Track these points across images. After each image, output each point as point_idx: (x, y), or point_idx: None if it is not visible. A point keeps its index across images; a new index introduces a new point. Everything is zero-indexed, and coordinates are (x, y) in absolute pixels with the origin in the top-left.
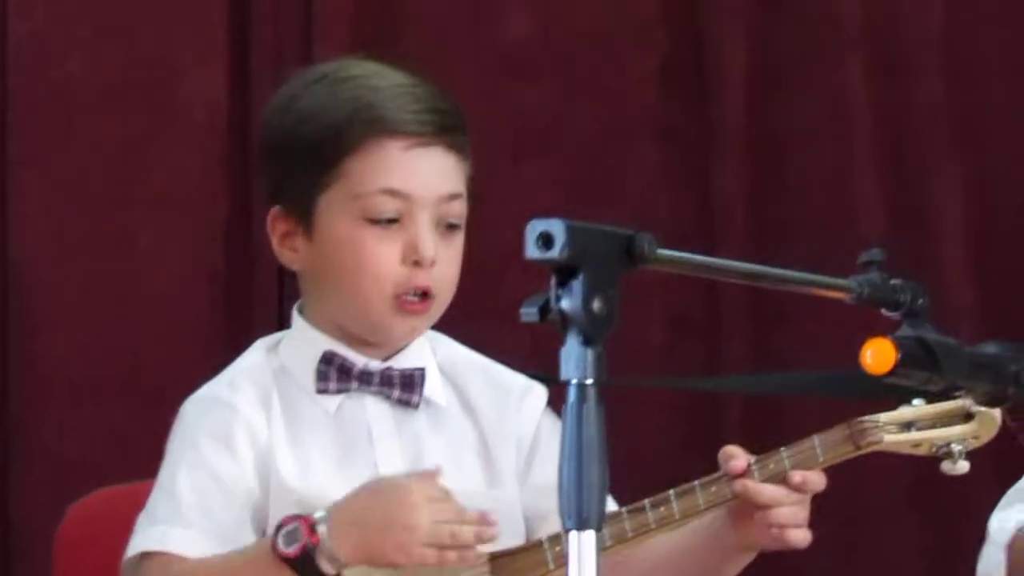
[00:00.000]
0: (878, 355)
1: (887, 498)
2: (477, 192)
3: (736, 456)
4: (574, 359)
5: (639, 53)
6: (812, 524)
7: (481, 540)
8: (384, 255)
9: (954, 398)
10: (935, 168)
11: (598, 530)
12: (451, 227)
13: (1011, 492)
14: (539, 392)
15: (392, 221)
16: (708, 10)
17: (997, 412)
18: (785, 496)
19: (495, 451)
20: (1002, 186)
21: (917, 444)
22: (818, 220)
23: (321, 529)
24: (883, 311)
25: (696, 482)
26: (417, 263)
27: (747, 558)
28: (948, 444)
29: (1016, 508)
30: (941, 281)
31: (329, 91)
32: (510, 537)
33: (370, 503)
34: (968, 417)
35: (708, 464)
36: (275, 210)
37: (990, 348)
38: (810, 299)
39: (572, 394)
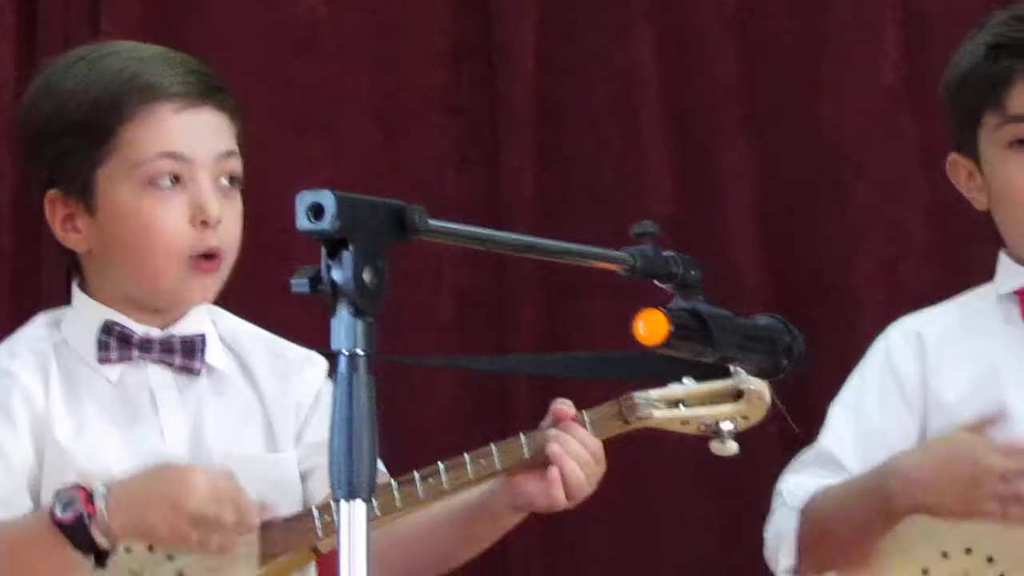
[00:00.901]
0: (650, 326)
1: (677, 475)
2: (263, 164)
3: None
4: (344, 330)
5: (429, 31)
6: (605, 503)
7: (243, 528)
8: (172, 219)
9: (724, 377)
10: (725, 144)
11: (367, 500)
12: (230, 185)
13: (804, 456)
14: (319, 361)
15: (174, 184)
16: None
17: (766, 393)
18: (582, 453)
19: (275, 417)
20: (791, 162)
21: (686, 422)
22: (606, 195)
23: (99, 500)
24: (656, 283)
25: (466, 455)
26: (204, 223)
27: (515, 520)
28: (716, 423)
29: (810, 473)
30: (731, 255)
31: (90, 68)
32: (289, 500)
33: (148, 481)
34: (737, 396)
35: (497, 437)
36: (52, 194)
37: (763, 320)
38: (600, 274)
39: (342, 364)
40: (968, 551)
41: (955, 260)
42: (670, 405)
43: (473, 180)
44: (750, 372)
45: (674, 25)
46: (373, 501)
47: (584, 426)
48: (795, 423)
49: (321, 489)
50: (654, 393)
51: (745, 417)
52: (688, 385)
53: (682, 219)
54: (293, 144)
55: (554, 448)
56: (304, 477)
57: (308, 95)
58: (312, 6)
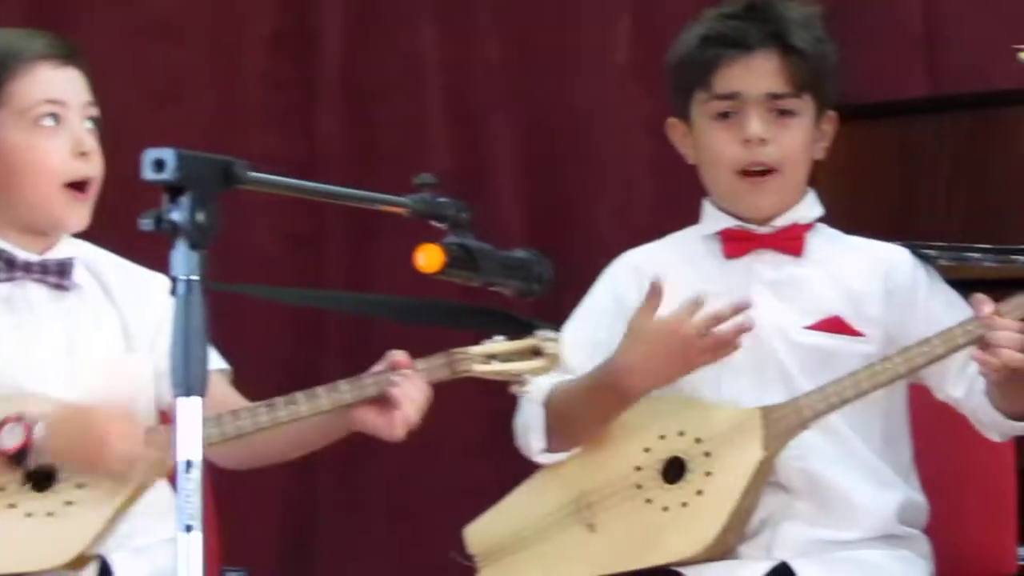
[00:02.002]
0: (428, 257)
1: (462, 443)
2: (126, 131)
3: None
4: (182, 260)
5: (256, 18)
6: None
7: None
8: (54, 151)
9: (528, 334)
10: (491, 112)
11: (202, 395)
12: (93, 127)
13: None
14: (163, 280)
15: (56, 123)
16: None
17: (560, 350)
18: (417, 397)
19: (130, 325)
20: (544, 126)
21: (498, 374)
22: (398, 153)
23: (38, 430)
24: (434, 223)
25: (320, 388)
26: (83, 154)
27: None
28: (521, 376)
29: (544, 377)
30: (495, 202)
31: None
32: (144, 397)
33: (78, 427)
34: (537, 353)
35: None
36: None
37: (520, 253)
38: (399, 219)
39: (181, 288)
40: (681, 433)
41: (674, 207)
42: (486, 360)
43: (293, 142)
44: (510, 295)
45: (451, 14)
46: (244, 419)
47: (418, 372)
48: None
49: (169, 391)
50: (474, 349)
51: (544, 369)
52: (499, 342)
53: (457, 173)
54: (149, 114)
55: (395, 392)
56: (159, 377)
57: (161, 74)
58: (163, 2)
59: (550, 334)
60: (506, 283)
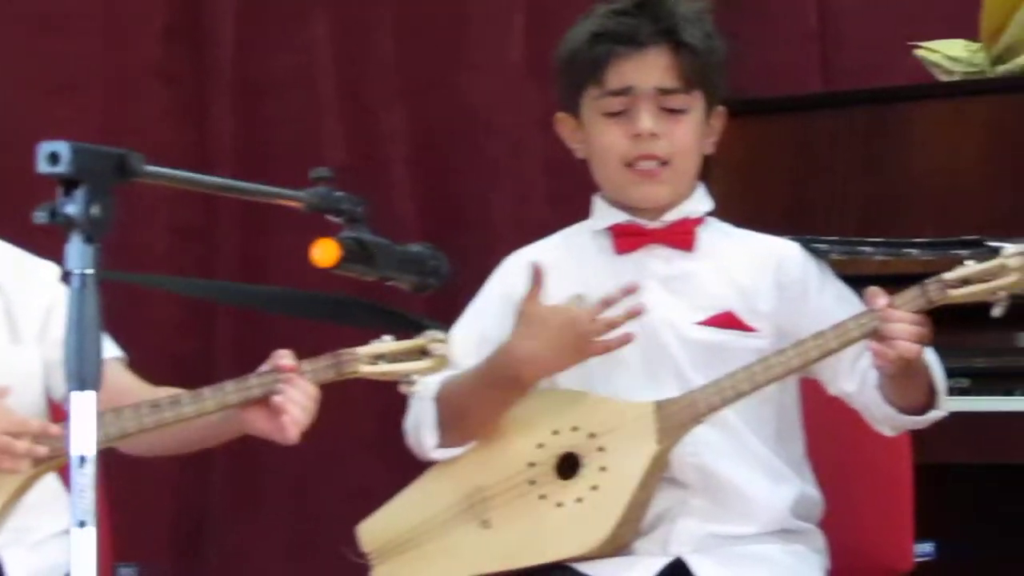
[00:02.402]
0: (324, 251)
1: (354, 441)
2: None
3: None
4: (77, 254)
5: (148, 13)
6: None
7: (31, 455)
8: None
9: (418, 333)
10: (386, 108)
11: (96, 389)
12: None
13: None
14: (55, 269)
15: None
16: None
17: (448, 350)
18: (303, 400)
19: (17, 316)
20: (438, 123)
21: (386, 374)
22: (292, 148)
23: None
24: (330, 217)
25: (206, 389)
26: None
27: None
28: (409, 376)
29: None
30: (390, 197)
31: None
32: (30, 389)
33: None
34: (425, 353)
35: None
36: None
37: (415, 247)
38: (293, 213)
39: (75, 281)
40: (575, 428)
41: (568, 203)
42: (373, 360)
43: (186, 137)
44: (406, 289)
45: (345, 8)
46: (128, 420)
47: (303, 374)
48: None
49: (61, 383)
50: (361, 350)
51: (432, 369)
52: (387, 342)
53: (351, 168)
54: (41, 107)
55: (277, 400)
56: (50, 369)
57: (53, 67)
58: None
59: (438, 334)
60: (402, 277)
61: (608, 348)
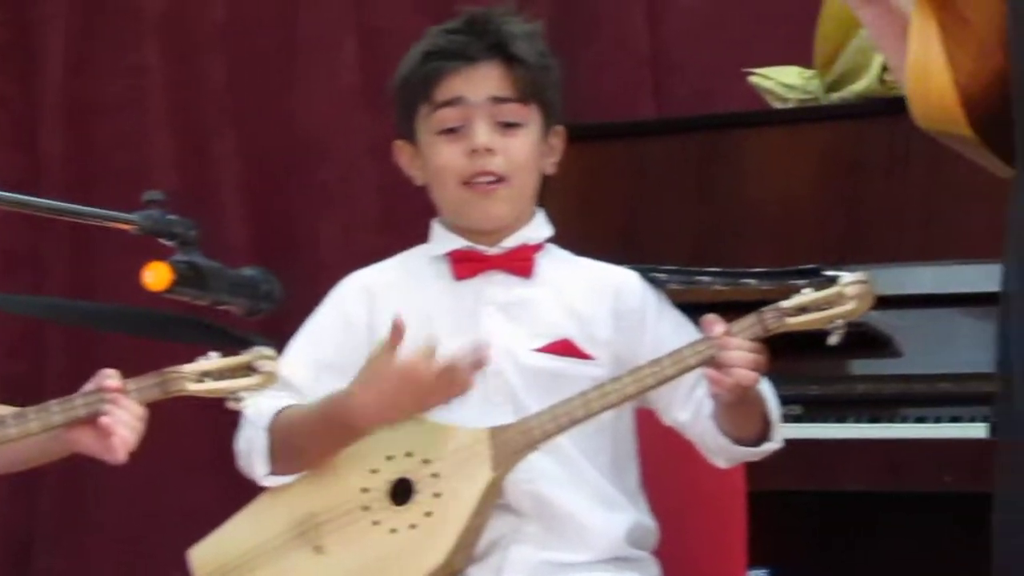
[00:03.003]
0: (156, 275)
1: (184, 462)
2: None
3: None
4: None
5: None
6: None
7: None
8: None
9: (245, 349)
10: (217, 133)
11: None
12: None
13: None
14: None
15: None
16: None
17: (277, 367)
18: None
19: None
20: (269, 148)
21: (212, 392)
22: (123, 171)
23: None
24: (163, 241)
25: (31, 409)
26: None
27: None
28: (236, 393)
29: (269, 395)
30: (221, 222)
31: None
32: None
33: None
34: (251, 370)
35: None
36: None
37: (248, 271)
38: (123, 236)
39: None
40: (409, 454)
41: (399, 229)
42: (200, 378)
43: (14, 159)
44: (238, 313)
45: (177, 35)
46: None
47: (128, 393)
48: None
49: None
50: (188, 368)
51: (259, 386)
52: (214, 359)
53: (182, 192)
54: None
55: (104, 420)
56: None
57: None
58: None
59: (265, 350)
60: (234, 301)
61: (446, 401)
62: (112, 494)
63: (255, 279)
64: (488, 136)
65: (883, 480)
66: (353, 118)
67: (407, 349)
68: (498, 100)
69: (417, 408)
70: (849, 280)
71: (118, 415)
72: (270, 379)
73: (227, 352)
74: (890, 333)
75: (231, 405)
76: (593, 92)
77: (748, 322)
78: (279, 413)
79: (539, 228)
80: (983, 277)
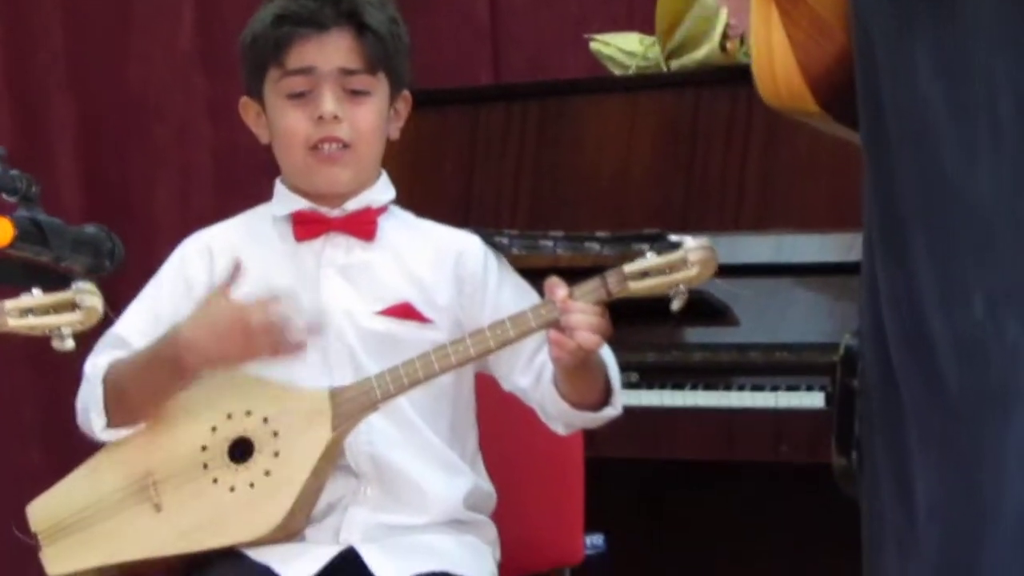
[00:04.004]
0: None
1: (14, 431)
2: None
3: None
4: None
5: None
6: None
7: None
8: None
9: (64, 288)
10: (53, 98)
11: None
12: None
13: (102, 341)
14: None
15: None
16: None
17: (99, 303)
18: None
19: None
20: (105, 112)
21: (33, 327)
22: None
23: None
24: (4, 195)
25: None
26: None
27: None
28: (59, 329)
29: (107, 354)
30: (57, 189)
31: None
32: None
33: None
34: (75, 307)
35: None
36: None
37: (90, 229)
38: None
39: None
40: (248, 413)
41: (236, 190)
42: (23, 314)
43: None
44: (79, 271)
45: (11, 2)
46: None
47: None
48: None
49: None
50: (8, 303)
51: (81, 324)
52: (37, 296)
53: (16, 156)
54: None
55: None
56: None
57: None
58: None
59: (87, 286)
60: (76, 259)
61: (275, 354)
62: None
63: (98, 237)
64: (335, 104)
65: (719, 449)
66: (189, 80)
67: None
68: (347, 71)
69: (243, 355)
70: (693, 246)
71: None
72: (92, 315)
73: (48, 289)
74: (727, 302)
75: (56, 345)
76: (432, 61)
77: (591, 286)
78: (112, 364)
79: (382, 191)
80: (820, 248)
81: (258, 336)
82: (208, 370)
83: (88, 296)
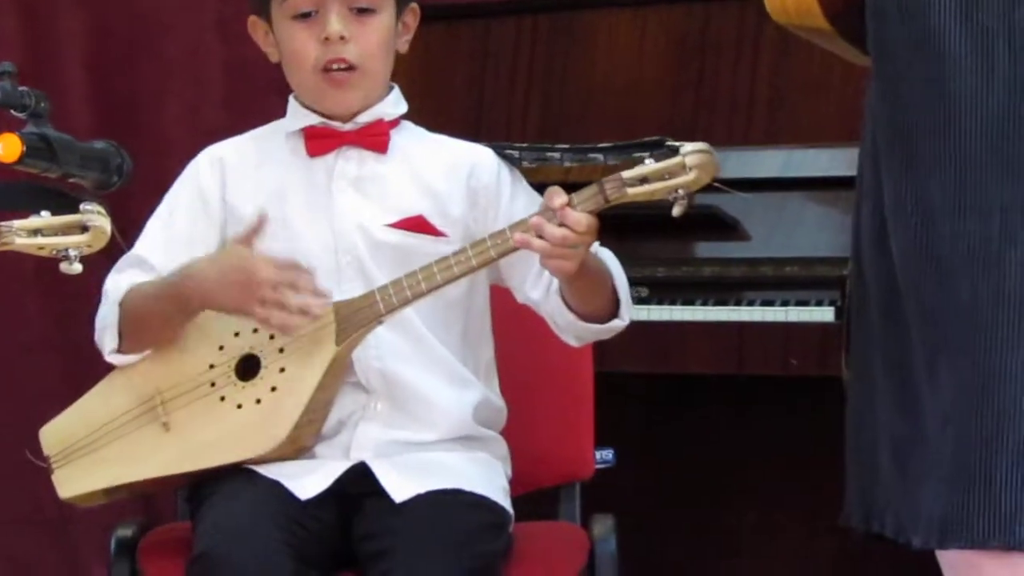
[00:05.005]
0: (6, 146)
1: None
2: None
3: None
4: None
5: None
6: None
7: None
8: None
9: (73, 211)
10: (62, 11)
11: None
12: None
13: (123, 260)
14: None
15: None
16: None
17: (107, 225)
18: None
19: None
20: (114, 25)
21: (42, 247)
22: None
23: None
24: (13, 112)
25: None
26: None
27: None
28: (67, 249)
29: (128, 274)
30: (66, 104)
31: None
32: None
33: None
34: (84, 229)
35: None
36: None
37: (99, 144)
38: None
39: None
40: (255, 331)
41: (247, 106)
42: (31, 234)
43: None
44: (88, 186)
45: None
46: None
47: None
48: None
49: None
50: (18, 223)
51: (89, 246)
52: (45, 217)
53: (24, 70)
54: None
55: None
56: None
57: None
58: None
59: (95, 207)
60: (85, 175)
61: (265, 321)
62: None
63: (107, 152)
64: (341, 24)
65: (729, 363)
66: None
67: (265, 235)
68: None
69: (241, 305)
70: (690, 150)
71: None
72: (100, 237)
73: (57, 211)
74: (737, 216)
75: (64, 268)
76: None
77: (589, 192)
78: (131, 288)
79: (394, 104)
80: (830, 162)
81: (260, 291)
82: (209, 308)
83: (96, 217)
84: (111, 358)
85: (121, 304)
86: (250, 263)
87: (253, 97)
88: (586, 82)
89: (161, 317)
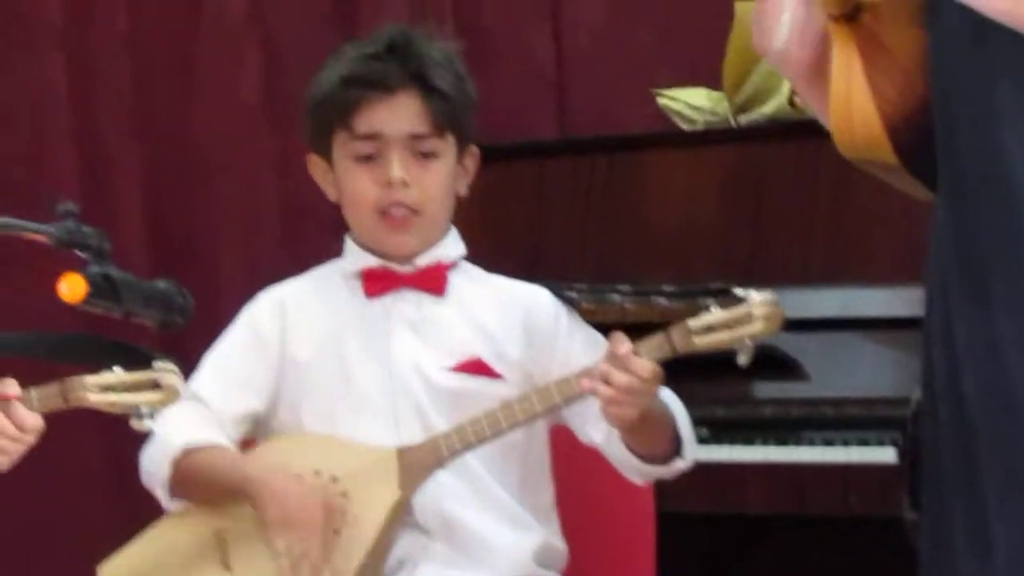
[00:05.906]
0: (71, 287)
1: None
2: None
3: None
4: None
5: None
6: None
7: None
8: None
9: (146, 368)
10: (120, 146)
11: None
12: None
13: None
14: None
15: None
16: None
17: (176, 380)
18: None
19: None
20: (171, 162)
21: (113, 404)
22: (21, 185)
23: None
24: (77, 252)
25: None
26: None
27: None
28: (137, 407)
29: (179, 408)
30: (121, 240)
31: None
32: None
33: None
34: (156, 387)
35: None
36: None
37: (161, 284)
38: (19, 249)
39: None
40: (317, 472)
41: (302, 244)
42: (103, 390)
43: None
44: (151, 326)
45: (77, 42)
46: None
47: (31, 402)
48: None
49: None
50: (90, 379)
51: (162, 401)
52: (118, 373)
53: (87, 206)
54: None
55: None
56: None
57: None
58: None
59: (168, 366)
60: (147, 314)
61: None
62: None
63: (168, 291)
64: (403, 169)
65: (789, 503)
66: (255, 131)
67: (319, 365)
68: (415, 136)
69: (281, 529)
70: (758, 300)
71: (20, 417)
72: (172, 395)
73: (129, 368)
74: (796, 356)
75: (135, 424)
76: (494, 112)
77: (656, 341)
78: (187, 450)
79: (453, 246)
80: (888, 301)
81: (302, 537)
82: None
83: (169, 376)
84: (168, 506)
85: (175, 464)
86: (317, 515)
87: (308, 236)
88: (643, 221)
89: (213, 494)
